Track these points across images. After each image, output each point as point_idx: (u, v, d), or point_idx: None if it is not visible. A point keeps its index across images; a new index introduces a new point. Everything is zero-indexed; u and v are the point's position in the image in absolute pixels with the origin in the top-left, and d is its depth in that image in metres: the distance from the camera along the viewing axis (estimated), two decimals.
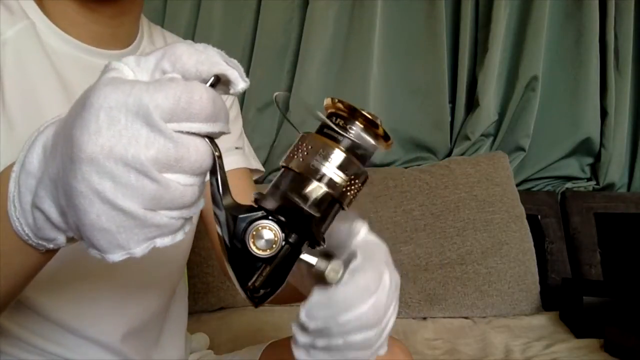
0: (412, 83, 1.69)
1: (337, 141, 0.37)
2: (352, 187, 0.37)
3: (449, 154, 1.72)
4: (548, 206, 1.67)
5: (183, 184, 0.32)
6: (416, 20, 1.68)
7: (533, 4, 1.65)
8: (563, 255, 1.61)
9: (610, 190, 1.76)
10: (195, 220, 0.75)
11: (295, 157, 0.37)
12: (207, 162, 0.33)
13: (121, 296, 0.66)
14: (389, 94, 1.69)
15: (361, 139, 0.37)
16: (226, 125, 0.34)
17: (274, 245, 0.35)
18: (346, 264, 0.41)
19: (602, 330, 1.23)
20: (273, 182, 0.37)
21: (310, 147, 0.37)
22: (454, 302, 1.43)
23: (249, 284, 0.36)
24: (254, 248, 0.35)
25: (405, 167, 1.65)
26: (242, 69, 0.35)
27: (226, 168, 0.73)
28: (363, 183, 0.38)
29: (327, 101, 0.38)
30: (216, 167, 0.34)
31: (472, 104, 1.70)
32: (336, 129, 0.37)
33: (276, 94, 0.44)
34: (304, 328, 0.41)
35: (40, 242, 0.36)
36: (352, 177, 0.37)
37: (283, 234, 0.35)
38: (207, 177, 0.35)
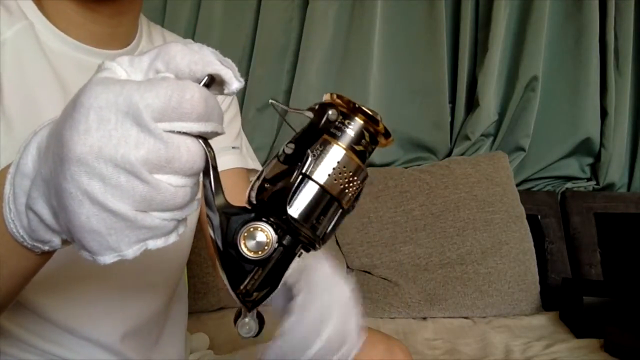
0: (412, 83, 1.69)
1: (335, 137, 0.35)
2: (351, 185, 0.35)
3: (449, 154, 1.72)
4: (548, 206, 1.67)
5: (175, 185, 0.31)
6: (416, 20, 1.68)
7: (533, 4, 1.65)
8: (563, 255, 1.61)
9: (610, 190, 1.76)
10: (194, 220, 0.74)
11: (284, 149, 0.35)
12: (198, 162, 0.32)
13: (120, 296, 0.66)
14: (389, 94, 1.69)
15: (360, 135, 0.36)
16: (220, 125, 0.33)
17: (266, 248, 0.34)
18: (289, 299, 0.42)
19: (602, 330, 1.23)
20: (263, 176, 0.36)
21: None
22: (454, 302, 1.43)
23: (241, 287, 0.34)
24: (245, 250, 0.34)
25: (405, 167, 1.65)
26: (236, 69, 0.34)
27: (222, 167, 0.73)
28: (363, 181, 0.36)
29: (327, 97, 0.37)
30: (209, 168, 0.33)
31: (472, 104, 1.70)
32: (336, 124, 0.35)
33: (271, 100, 0.43)
34: None
35: (35, 244, 0.36)
36: (351, 174, 0.35)
37: (276, 236, 0.34)
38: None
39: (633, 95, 1.74)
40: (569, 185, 1.76)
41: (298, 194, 0.34)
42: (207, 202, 0.35)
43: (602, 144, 1.72)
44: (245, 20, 1.66)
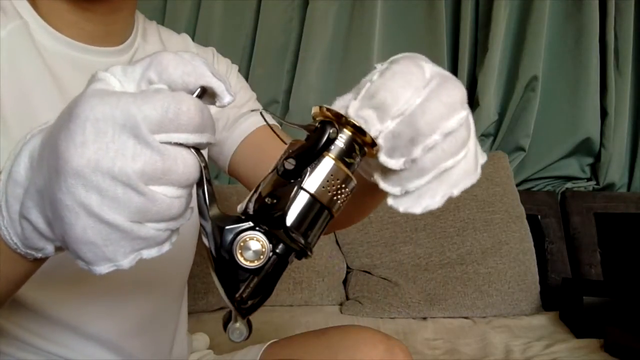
0: None
1: (327, 149, 0.37)
2: (341, 194, 0.37)
3: None
4: (548, 206, 1.67)
5: (170, 196, 0.32)
6: (416, 20, 1.68)
7: (533, 4, 1.65)
8: (563, 255, 1.61)
9: (610, 190, 1.76)
10: (197, 221, 0.74)
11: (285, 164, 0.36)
12: (194, 174, 0.33)
13: (121, 293, 0.66)
14: None
15: (350, 147, 0.37)
16: (213, 135, 0.33)
17: (261, 257, 0.35)
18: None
19: (602, 330, 1.23)
20: (260, 189, 0.37)
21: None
22: (454, 302, 1.43)
23: (237, 295, 0.35)
24: (241, 259, 0.35)
25: None
26: (228, 82, 0.35)
27: (250, 129, 0.71)
28: (352, 190, 0.38)
29: (315, 109, 0.38)
30: (202, 178, 0.34)
31: (472, 104, 1.70)
32: (324, 137, 0.36)
33: (261, 109, 0.44)
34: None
35: (28, 251, 0.36)
36: (341, 184, 0.36)
37: (270, 245, 0.35)
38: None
39: (633, 95, 1.74)
40: (569, 185, 1.76)
41: (292, 205, 0.35)
42: (201, 213, 0.35)
43: (602, 144, 1.72)
44: (245, 20, 1.67)
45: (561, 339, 1.30)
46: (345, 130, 0.37)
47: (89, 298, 0.64)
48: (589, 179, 1.78)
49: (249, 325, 0.38)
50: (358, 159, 0.38)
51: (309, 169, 0.36)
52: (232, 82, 0.77)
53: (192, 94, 0.33)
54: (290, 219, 0.35)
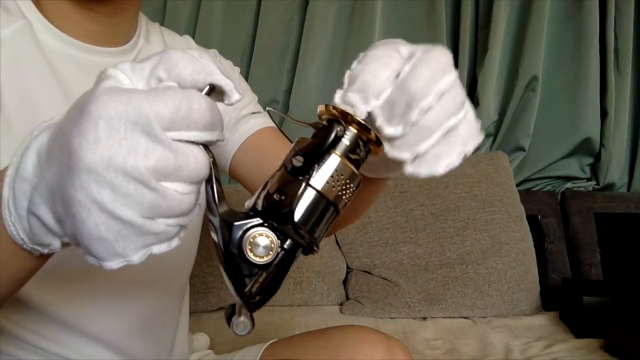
0: None
1: (333, 147, 0.38)
2: (347, 191, 0.38)
3: None
4: (548, 206, 1.67)
5: (181, 192, 0.32)
6: (416, 20, 1.68)
7: (533, 4, 1.65)
8: (563, 255, 1.61)
9: (610, 190, 1.76)
10: (199, 221, 0.74)
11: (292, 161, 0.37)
12: (205, 170, 0.33)
13: (122, 292, 0.66)
14: None
15: (355, 144, 0.38)
16: (222, 133, 0.34)
17: (270, 252, 0.35)
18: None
19: (602, 330, 1.23)
20: (268, 186, 0.37)
21: None
22: (454, 302, 1.43)
23: (245, 290, 0.36)
24: (251, 255, 0.35)
25: None
26: (236, 79, 0.35)
27: (251, 130, 0.73)
28: (357, 187, 0.38)
29: (321, 108, 0.39)
30: (212, 175, 0.35)
31: (472, 104, 1.69)
32: (331, 135, 0.37)
33: (268, 109, 0.45)
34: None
35: (35, 246, 0.36)
36: (347, 180, 0.37)
37: (279, 241, 0.36)
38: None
39: (633, 95, 1.74)
40: (569, 185, 1.76)
41: (300, 201, 0.36)
42: (210, 209, 0.36)
43: (602, 144, 1.72)
44: (245, 20, 1.67)
45: (561, 339, 1.30)
46: (351, 128, 0.38)
47: (90, 297, 0.64)
48: (589, 179, 1.78)
49: (252, 319, 0.38)
50: (363, 156, 0.39)
51: (316, 165, 0.37)
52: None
53: (201, 91, 0.33)
54: (298, 215, 0.36)
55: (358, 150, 0.38)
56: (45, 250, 0.37)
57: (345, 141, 0.37)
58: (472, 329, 1.37)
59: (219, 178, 0.36)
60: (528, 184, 1.76)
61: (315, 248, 0.37)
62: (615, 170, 1.73)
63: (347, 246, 1.51)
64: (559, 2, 1.69)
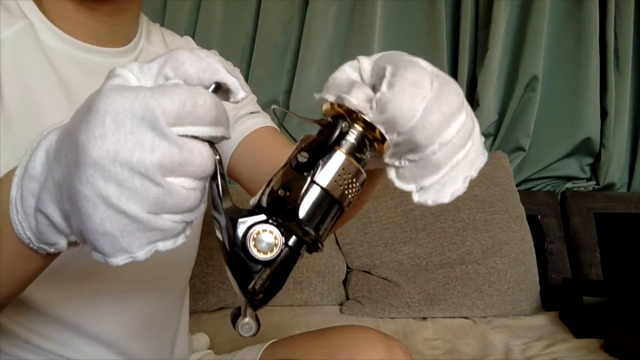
0: None
1: (338, 144, 0.37)
2: (352, 189, 0.37)
3: None
4: (548, 206, 1.67)
5: (186, 188, 0.32)
6: (416, 20, 1.68)
7: (533, 4, 1.65)
8: (563, 255, 1.61)
9: (610, 190, 1.76)
10: (200, 220, 0.75)
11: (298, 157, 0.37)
12: (210, 166, 0.33)
13: (123, 293, 0.66)
14: None
15: (360, 142, 0.38)
16: (227, 130, 0.34)
17: (274, 249, 0.35)
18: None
19: (602, 330, 1.23)
20: (273, 183, 0.37)
21: None
22: (454, 302, 1.43)
23: (249, 287, 0.36)
24: (255, 251, 0.35)
25: None
26: (242, 78, 0.36)
27: (250, 129, 0.73)
28: (362, 184, 0.38)
29: (326, 106, 0.39)
30: (216, 171, 0.35)
31: (472, 104, 1.70)
32: (336, 131, 0.37)
33: (274, 106, 0.45)
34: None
35: (41, 245, 0.36)
36: (352, 178, 0.37)
37: (283, 237, 0.36)
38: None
39: (633, 95, 1.74)
40: (569, 185, 1.76)
41: (305, 198, 0.36)
42: (214, 205, 0.36)
43: (602, 144, 1.72)
44: (245, 20, 1.67)
45: (561, 339, 1.30)
46: (356, 125, 0.38)
47: (91, 298, 0.64)
48: (589, 179, 1.78)
49: (258, 320, 0.38)
50: (368, 154, 0.38)
51: (321, 162, 0.36)
52: None
53: (207, 89, 0.34)
54: (302, 211, 0.36)
55: (363, 148, 0.38)
56: (52, 250, 0.37)
57: (351, 139, 0.37)
58: (472, 329, 1.37)
59: (225, 175, 0.36)
60: (528, 184, 1.76)
61: (320, 245, 0.37)
62: (615, 170, 1.73)
63: (347, 246, 1.51)
64: (559, 2, 1.69)
